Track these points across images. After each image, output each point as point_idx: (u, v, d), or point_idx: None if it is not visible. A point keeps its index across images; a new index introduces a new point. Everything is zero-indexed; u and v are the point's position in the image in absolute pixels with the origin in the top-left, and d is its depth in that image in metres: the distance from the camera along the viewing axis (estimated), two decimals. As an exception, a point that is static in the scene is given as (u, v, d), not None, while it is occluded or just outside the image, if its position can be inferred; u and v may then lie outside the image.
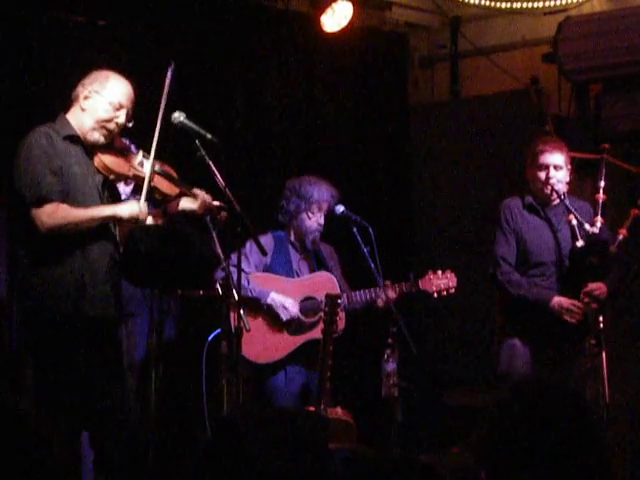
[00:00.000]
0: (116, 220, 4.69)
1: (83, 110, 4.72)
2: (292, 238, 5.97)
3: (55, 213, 4.55)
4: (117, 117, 4.73)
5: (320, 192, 5.85)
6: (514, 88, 7.30)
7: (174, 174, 4.92)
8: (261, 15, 6.85)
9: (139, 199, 4.71)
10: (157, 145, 4.74)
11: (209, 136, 4.72)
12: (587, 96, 7.07)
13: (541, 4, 7.20)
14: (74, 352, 4.55)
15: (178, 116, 4.78)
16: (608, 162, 5.96)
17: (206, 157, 4.72)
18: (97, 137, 4.73)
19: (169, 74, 4.79)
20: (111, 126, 4.73)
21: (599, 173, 5.89)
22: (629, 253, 5.92)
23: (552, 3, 7.17)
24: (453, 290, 5.97)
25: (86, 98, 4.72)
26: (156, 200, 4.87)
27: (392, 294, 5.73)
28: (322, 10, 6.75)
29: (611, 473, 2.11)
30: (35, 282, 4.61)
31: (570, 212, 5.70)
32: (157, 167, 4.81)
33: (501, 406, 2.16)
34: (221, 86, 6.64)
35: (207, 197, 4.87)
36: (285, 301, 5.77)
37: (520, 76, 7.29)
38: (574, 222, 5.70)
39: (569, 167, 5.80)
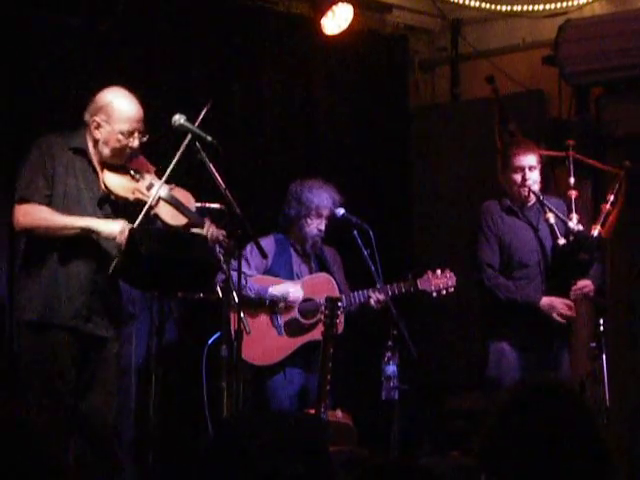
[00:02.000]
0: (94, 234, 4.66)
1: (97, 139, 4.74)
2: (293, 241, 5.96)
3: (29, 213, 4.61)
4: (130, 142, 4.74)
5: (320, 199, 5.82)
6: (514, 91, 7.29)
7: (187, 202, 4.86)
8: (261, 17, 6.84)
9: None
10: (171, 172, 4.71)
11: (209, 138, 4.71)
12: (588, 99, 7.06)
13: (542, 7, 7.20)
14: (52, 360, 4.62)
15: (178, 118, 4.76)
16: (575, 159, 5.98)
17: (206, 159, 4.71)
18: (111, 158, 4.77)
19: (205, 109, 4.77)
20: (127, 151, 4.77)
21: (567, 170, 5.91)
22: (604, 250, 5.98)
23: (553, 6, 7.16)
24: (452, 289, 5.96)
25: (97, 127, 4.74)
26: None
27: (382, 296, 5.71)
28: (322, 13, 6.75)
29: (612, 475, 2.11)
30: (20, 287, 4.72)
31: (550, 211, 5.73)
32: (165, 193, 4.77)
33: (502, 408, 2.16)
34: (221, 88, 6.63)
35: (215, 230, 4.80)
36: (287, 290, 5.76)
37: (520, 79, 7.28)
38: (552, 220, 5.74)
39: (540, 166, 5.83)
